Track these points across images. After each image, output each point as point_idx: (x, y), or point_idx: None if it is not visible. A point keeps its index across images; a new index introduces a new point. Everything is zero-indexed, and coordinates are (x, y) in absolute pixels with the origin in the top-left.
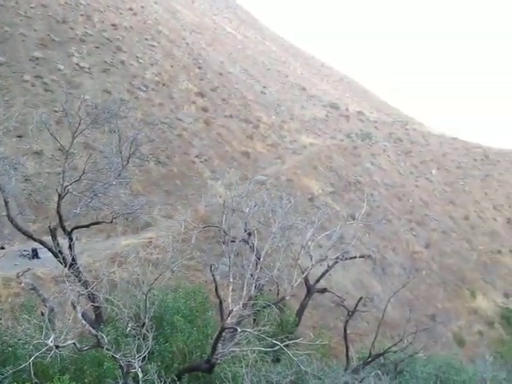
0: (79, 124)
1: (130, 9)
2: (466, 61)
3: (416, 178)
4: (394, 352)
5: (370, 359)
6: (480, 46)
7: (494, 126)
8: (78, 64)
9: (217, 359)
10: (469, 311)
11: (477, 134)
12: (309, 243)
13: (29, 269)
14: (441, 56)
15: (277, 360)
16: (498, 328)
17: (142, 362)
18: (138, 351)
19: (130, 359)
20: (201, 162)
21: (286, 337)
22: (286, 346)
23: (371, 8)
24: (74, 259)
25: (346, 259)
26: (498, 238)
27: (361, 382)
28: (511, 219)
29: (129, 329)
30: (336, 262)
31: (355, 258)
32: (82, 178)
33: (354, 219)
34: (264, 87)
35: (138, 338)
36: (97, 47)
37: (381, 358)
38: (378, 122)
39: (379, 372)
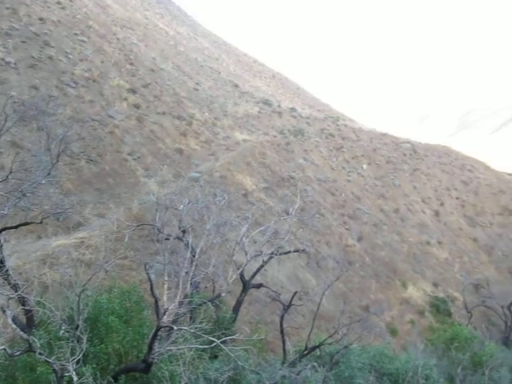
0: (5, 121)
1: (58, 2)
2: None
3: (348, 173)
4: (330, 344)
5: (306, 352)
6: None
7: None
8: (3, 59)
9: (153, 358)
10: (400, 301)
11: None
12: (243, 239)
13: None
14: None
15: (214, 357)
16: (428, 316)
17: (76, 364)
18: (72, 354)
19: (63, 363)
20: (133, 159)
21: (223, 333)
22: (223, 342)
23: (305, 6)
24: (2, 261)
25: (281, 254)
26: (426, 230)
27: (297, 374)
28: (439, 211)
29: (62, 331)
30: (271, 257)
31: (290, 252)
32: (10, 177)
33: (287, 214)
34: (197, 84)
35: (72, 341)
36: (23, 42)
37: (317, 350)
38: (310, 118)
39: (315, 364)
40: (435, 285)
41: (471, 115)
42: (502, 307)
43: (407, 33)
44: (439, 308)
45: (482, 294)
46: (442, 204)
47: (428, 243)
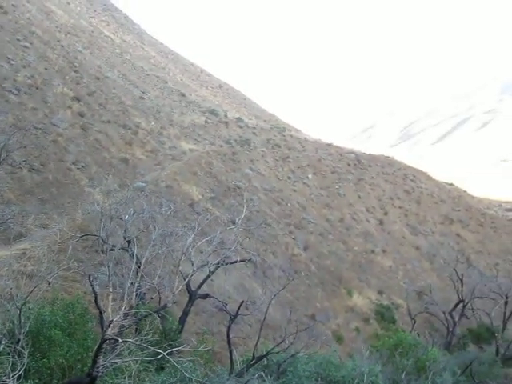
0: None
1: (0, 7)
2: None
3: (293, 183)
4: (277, 353)
5: (253, 362)
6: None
7: None
8: None
9: (98, 372)
10: (346, 309)
11: None
12: (189, 249)
13: None
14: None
15: (161, 369)
16: (373, 323)
17: (17, 380)
18: (13, 369)
19: (4, 378)
20: (77, 168)
21: (169, 345)
22: (170, 353)
23: (252, 18)
24: None
25: (227, 264)
26: (371, 239)
27: None
28: (383, 220)
29: (2, 346)
30: (217, 267)
31: (236, 262)
32: None
33: (234, 224)
34: (143, 92)
35: (13, 356)
36: None
37: (264, 359)
38: (256, 129)
39: (263, 373)
40: (380, 292)
41: (413, 127)
42: (444, 313)
43: (352, 44)
44: (384, 315)
45: (424, 301)
46: (385, 213)
47: (372, 252)
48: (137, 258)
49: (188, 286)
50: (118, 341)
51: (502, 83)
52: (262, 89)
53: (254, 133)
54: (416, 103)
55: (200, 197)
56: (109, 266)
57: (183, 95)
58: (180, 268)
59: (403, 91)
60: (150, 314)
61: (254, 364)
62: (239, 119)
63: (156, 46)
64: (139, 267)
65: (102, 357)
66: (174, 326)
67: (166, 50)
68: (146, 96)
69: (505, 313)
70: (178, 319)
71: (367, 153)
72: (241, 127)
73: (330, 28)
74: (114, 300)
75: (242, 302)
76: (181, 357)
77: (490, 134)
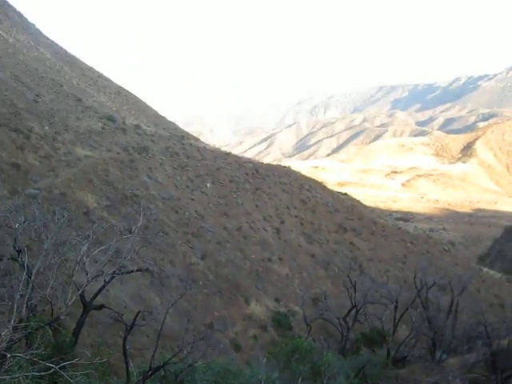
0: None
1: None
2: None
3: (192, 192)
4: (174, 363)
5: (150, 373)
6: None
7: None
8: None
9: None
10: (243, 317)
11: None
12: (84, 259)
13: None
14: None
15: None
16: (271, 331)
17: None
18: None
19: None
20: None
21: (62, 358)
22: (63, 368)
23: (152, 27)
24: None
25: (123, 274)
26: (268, 247)
27: None
28: (280, 229)
29: None
30: (113, 277)
31: (132, 271)
32: None
33: (130, 233)
34: (37, 95)
35: None
36: None
37: (161, 370)
38: (155, 136)
39: None
40: (277, 300)
41: (309, 138)
42: (338, 319)
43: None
44: (281, 322)
45: (319, 308)
46: (282, 222)
47: (269, 260)
48: (27, 268)
49: (82, 296)
50: (6, 356)
51: (394, 99)
52: (161, 96)
53: (153, 140)
54: (313, 116)
55: (95, 205)
56: None
57: (79, 100)
58: (74, 278)
59: (302, 103)
60: (42, 327)
61: (150, 375)
62: (137, 126)
63: (52, 47)
64: (30, 278)
65: None
66: (67, 339)
67: (62, 52)
68: (40, 99)
69: (395, 317)
70: (71, 331)
71: (265, 163)
72: (139, 134)
73: (225, 31)
74: (2, 313)
75: (139, 312)
76: (74, 371)
77: (381, 146)
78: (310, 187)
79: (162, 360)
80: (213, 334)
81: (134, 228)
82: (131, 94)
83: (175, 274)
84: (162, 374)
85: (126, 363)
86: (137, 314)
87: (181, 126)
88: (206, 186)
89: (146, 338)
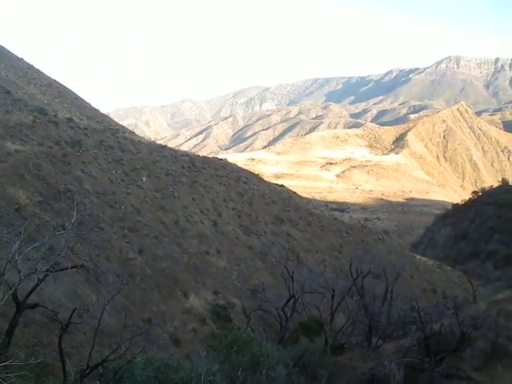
0: None
1: None
2: None
3: (127, 186)
4: (113, 360)
5: (87, 371)
6: None
7: None
8: None
9: None
10: (183, 311)
11: None
12: (16, 256)
13: None
14: None
15: None
16: (210, 324)
17: None
18: None
19: None
20: None
21: None
22: None
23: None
24: None
25: (58, 271)
26: (205, 240)
27: None
28: (217, 222)
29: None
30: (47, 275)
31: (67, 268)
32: None
33: (64, 229)
34: None
35: None
36: None
37: (99, 368)
38: (88, 130)
39: (98, 382)
40: (215, 293)
41: (245, 130)
42: (277, 309)
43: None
44: (220, 315)
45: (258, 299)
46: (219, 215)
47: (207, 253)
48: None
49: (15, 295)
50: None
51: (328, 91)
52: (96, 89)
53: (86, 134)
54: (249, 108)
55: (27, 201)
56: None
57: (8, 92)
58: (5, 277)
59: (238, 96)
60: None
61: (88, 373)
62: (70, 119)
63: None
64: None
65: None
66: None
67: None
68: None
69: (332, 305)
70: (4, 332)
71: (201, 155)
72: (72, 128)
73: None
74: None
75: (75, 309)
76: (8, 373)
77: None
78: (246, 179)
79: (100, 357)
80: (152, 329)
81: (67, 224)
82: (63, 86)
83: (112, 269)
84: (101, 371)
85: (63, 362)
86: (72, 312)
87: (116, 119)
88: (142, 180)
89: (83, 336)
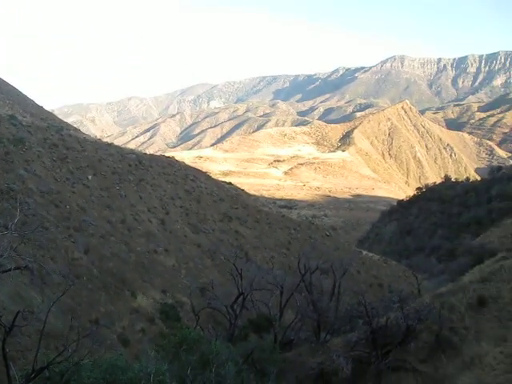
0: None
1: None
2: None
3: (73, 184)
4: (59, 363)
5: (33, 375)
6: None
7: None
8: None
9: None
10: (131, 311)
11: None
12: None
13: None
14: None
15: None
16: (159, 323)
17: None
18: None
19: None
20: None
21: None
22: None
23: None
24: None
25: (0, 273)
26: (153, 239)
27: None
28: (164, 220)
29: None
30: None
31: (10, 270)
32: None
33: (7, 229)
34: None
35: None
36: None
37: (45, 371)
38: (31, 127)
39: None
40: (164, 292)
41: (193, 128)
42: (226, 307)
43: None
44: (168, 314)
45: (207, 297)
46: (167, 213)
47: (155, 252)
48: None
49: None
50: None
51: (276, 89)
52: (40, 86)
53: (30, 131)
54: (196, 106)
55: None
56: None
57: None
58: None
59: (185, 93)
60: None
61: (34, 377)
62: (12, 116)
63: None
64: None
65: None
66: None
67: None
68: None
69: (281, 302)
70: None
71: (148, 153)
72: (14, 125)
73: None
74: None
75: (19, 312)
76: None
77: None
78: (194, 177)
79: (46, 360)
80: (99, 329)
81: (10, 224)
82: (5, 82)
83: (57, 270)
84: (47, 375)
85: (7, 367)
86: (16, 315)
87: (60, 116)
88: (88, 179)
89: (28, 339)
